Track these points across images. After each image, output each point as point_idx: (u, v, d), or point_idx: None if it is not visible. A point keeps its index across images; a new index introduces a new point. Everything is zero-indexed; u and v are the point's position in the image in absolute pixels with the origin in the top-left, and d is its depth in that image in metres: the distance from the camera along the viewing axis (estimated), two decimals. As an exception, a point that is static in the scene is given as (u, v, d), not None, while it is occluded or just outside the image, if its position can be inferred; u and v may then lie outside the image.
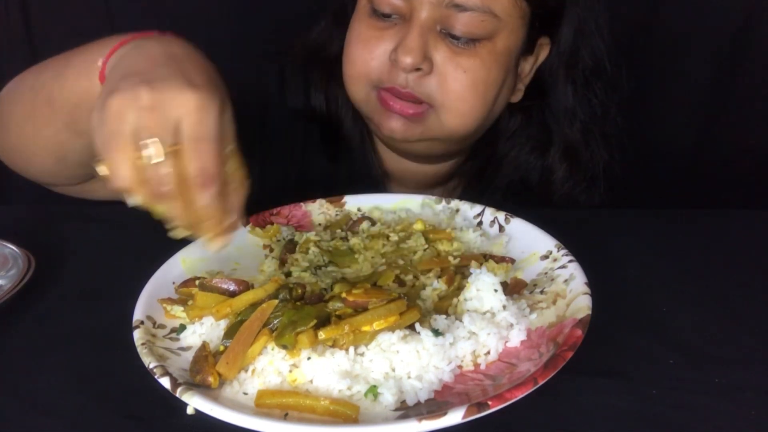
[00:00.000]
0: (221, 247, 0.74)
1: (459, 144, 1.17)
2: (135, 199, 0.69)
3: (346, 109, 1.20)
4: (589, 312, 0.74)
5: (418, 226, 0.95)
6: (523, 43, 1.10)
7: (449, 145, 1.16)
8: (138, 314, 0.76)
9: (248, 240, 0.97)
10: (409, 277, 0.84)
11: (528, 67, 1.16)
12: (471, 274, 0.81)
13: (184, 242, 0.91)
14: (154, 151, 0.66)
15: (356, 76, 1.10)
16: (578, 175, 1.21)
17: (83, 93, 0.87)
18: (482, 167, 1.24)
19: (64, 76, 0.91)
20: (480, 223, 0.99)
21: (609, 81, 1.19)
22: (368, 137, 1.23)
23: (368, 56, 1.07)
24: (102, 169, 0.69)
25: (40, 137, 0.98)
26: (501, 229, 0.97)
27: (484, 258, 0.88)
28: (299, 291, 0.77)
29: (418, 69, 1.03)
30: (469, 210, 1.01)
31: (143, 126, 0.67)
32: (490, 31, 1.03)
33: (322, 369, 0.67)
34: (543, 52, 1.15)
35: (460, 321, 0.74)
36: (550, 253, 0.88)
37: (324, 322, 0.71)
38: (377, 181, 1.23)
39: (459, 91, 1.05)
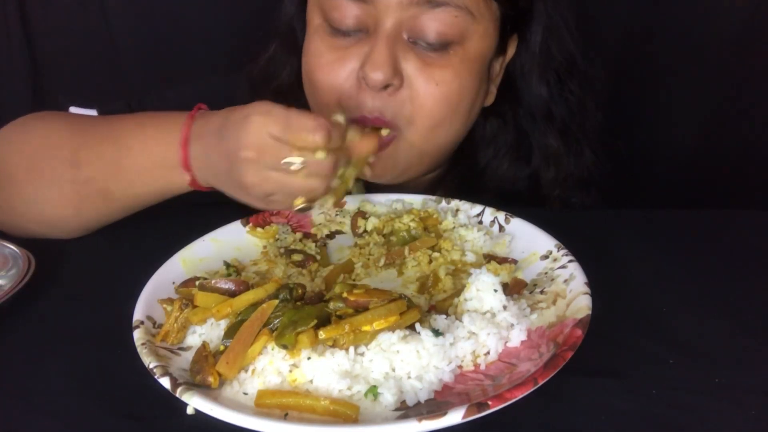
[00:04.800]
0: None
1: (435, 160, 1.10)
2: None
3: None
4: (589, 312, 0.74)
5: (408, 218, 0.95)
6: (496, 47, 1.05)
7: (426, 166, 1.10)
8: (138, 314, 0.76)
9: (248, 240, 0.97)
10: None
11: (498, 66, 1.11)
12: (471, 274, 0.81)
13: (184, 242, 0.91)
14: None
15: (325, 104, 1.00)
16: (566, 179, 1.18)
17: (157, 162, 0.92)
18: (464, 178, 1.17)
19: (126, 171, 0.94)
20: (480, 223, 0.99)
21: (584, 76, 1.16)
22: None
23: (334, 80, 0.99)
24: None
25: (83, 218, 0.99)
26: (501, 228, 0.97)
27: (486, 259, 0.88)
28: (299, 291, 0.77)
29: (387, 86, 0.96)
30: (469, 210, 1.01)
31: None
32: (462, 31, 0.97)
33: (322, 369, 0.67)
34: (511, 49, 1.11)
35: (460, 321, 0.74)
36: (550, 253, 0.88)
37: (324, 322, 0.71)
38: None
39: (429, 106, 0.98)
